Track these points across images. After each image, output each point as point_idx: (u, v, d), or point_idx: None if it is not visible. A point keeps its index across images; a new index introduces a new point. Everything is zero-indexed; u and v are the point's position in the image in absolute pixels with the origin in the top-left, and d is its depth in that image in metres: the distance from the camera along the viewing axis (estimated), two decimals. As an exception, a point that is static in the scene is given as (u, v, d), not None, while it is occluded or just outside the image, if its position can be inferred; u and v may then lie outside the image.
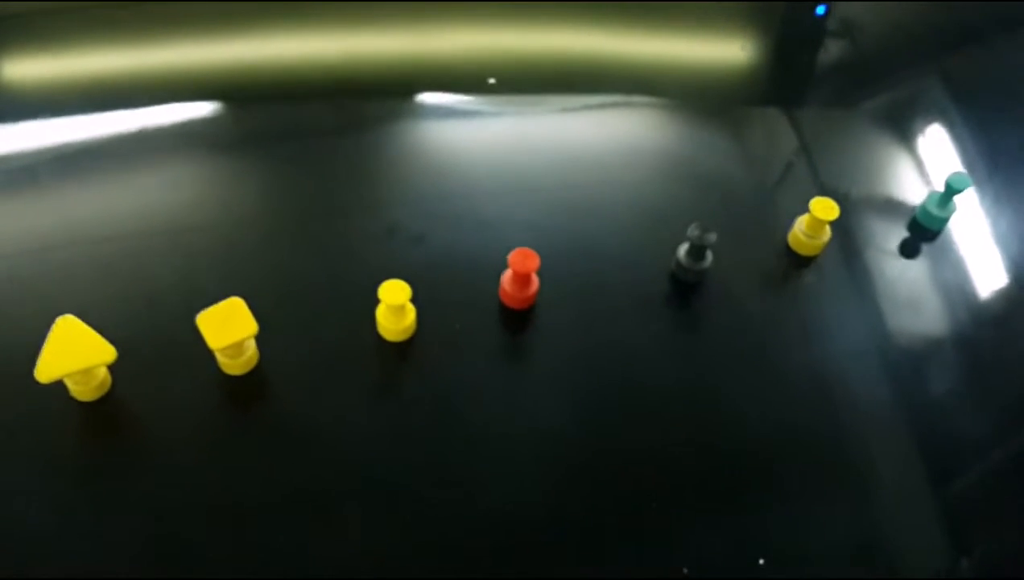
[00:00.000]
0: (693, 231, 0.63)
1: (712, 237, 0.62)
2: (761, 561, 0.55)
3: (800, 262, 0.68)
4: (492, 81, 0.78)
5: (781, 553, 0.56)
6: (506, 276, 0.62)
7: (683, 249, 0.65)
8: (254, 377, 0.59)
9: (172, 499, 0.54)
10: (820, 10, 0.91)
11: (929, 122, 0.81)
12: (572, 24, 0.85)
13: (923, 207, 0.70)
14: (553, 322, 0.64)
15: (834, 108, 0.84)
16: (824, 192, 0.68)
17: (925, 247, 0.71)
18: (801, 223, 0.67)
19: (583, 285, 0.66)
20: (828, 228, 0.67)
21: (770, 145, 0.79)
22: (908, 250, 0.70)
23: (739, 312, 0.66)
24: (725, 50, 0.86)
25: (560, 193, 0.72)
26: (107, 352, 0.54)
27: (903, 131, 0.80)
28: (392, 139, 0.75)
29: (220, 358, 0.57)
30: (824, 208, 0.65)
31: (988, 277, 0.70)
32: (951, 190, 0.68)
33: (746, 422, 0.61)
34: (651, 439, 0.59)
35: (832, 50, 0.88)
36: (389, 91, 0.79)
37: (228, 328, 0.54)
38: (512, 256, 0.60)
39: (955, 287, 0.69)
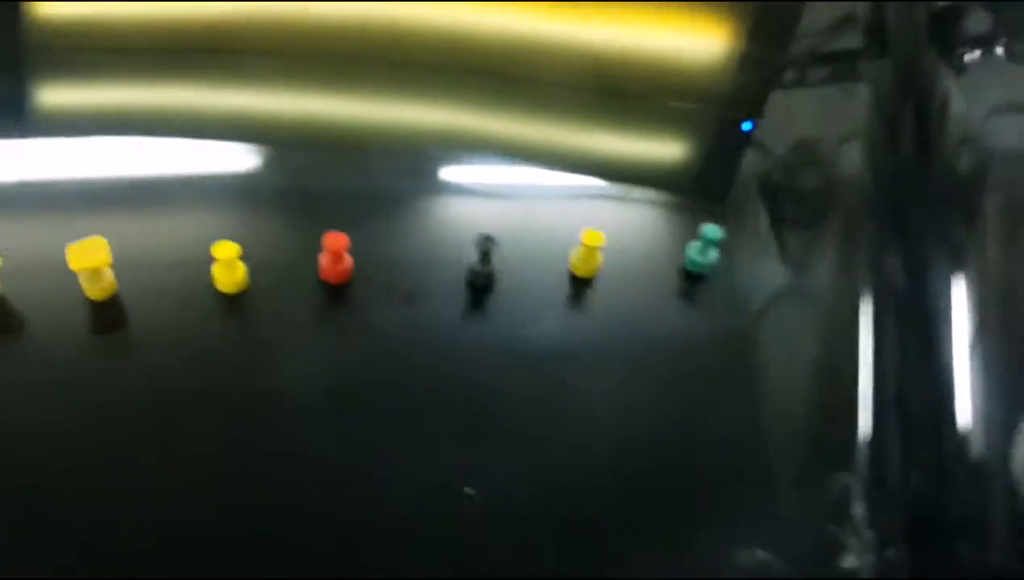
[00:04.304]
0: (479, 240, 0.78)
1: (492, 242, 0.78)
2: None
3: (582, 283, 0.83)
4: None
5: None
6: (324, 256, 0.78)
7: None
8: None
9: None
10: (746, 126, 1.02)
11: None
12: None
13: (687, 254, 0.85)
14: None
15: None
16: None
17: (692, 287, 0.85)
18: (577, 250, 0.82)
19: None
20: (599, 255, 0.82)
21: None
22: (676, 290, 0.85)
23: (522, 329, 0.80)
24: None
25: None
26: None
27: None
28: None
29: (82, 281, 0.73)
30: (592, 237, 0.80)
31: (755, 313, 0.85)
32: (706, 240, 0.83)
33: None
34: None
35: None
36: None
37: (89, 256, 0.71)
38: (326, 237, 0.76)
39: (717, 326, 0.84)
